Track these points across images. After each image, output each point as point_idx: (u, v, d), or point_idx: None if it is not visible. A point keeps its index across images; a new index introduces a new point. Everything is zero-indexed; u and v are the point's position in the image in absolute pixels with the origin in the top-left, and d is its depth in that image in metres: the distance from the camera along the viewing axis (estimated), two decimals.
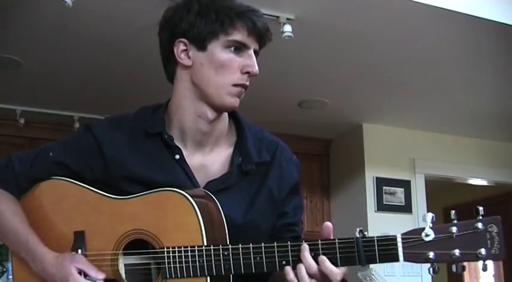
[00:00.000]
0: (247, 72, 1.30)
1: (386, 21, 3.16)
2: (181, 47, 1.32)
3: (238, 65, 1.30)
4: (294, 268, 1.16)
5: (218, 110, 1.33)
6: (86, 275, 1.24)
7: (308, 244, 1.16)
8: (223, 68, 1.29)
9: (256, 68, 1.31)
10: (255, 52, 1.33)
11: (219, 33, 1.29)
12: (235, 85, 1.30)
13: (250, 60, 1.30)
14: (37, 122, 4.44)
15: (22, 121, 4.34)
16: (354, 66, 3.76)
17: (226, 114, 1.39)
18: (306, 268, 1.14)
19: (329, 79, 3.98)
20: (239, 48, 1.30)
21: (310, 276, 1.14)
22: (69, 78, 3.87)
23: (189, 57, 1.32)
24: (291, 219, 1.41)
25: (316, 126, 4.91)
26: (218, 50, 1.29)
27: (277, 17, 3.04)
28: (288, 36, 3.05)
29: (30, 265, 1.31)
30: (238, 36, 1.29)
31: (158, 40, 1.38)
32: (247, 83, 1.32)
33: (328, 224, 1.20)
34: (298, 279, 1.15)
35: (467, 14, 3.06)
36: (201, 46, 1.30)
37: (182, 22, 1.31)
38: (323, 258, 1.14)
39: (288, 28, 3.04)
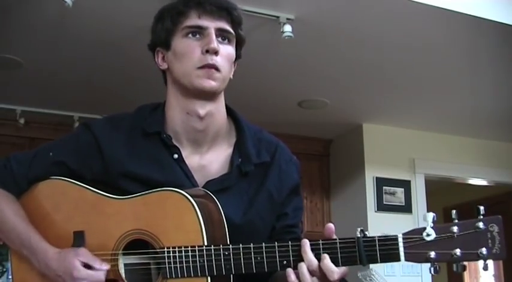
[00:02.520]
0: (207, 51, 1.29)
1: (386, 21, 3.16)
2: (159, 55, 1.38)
3: (198, 49, 1.30)
4: (295, 268, 1.16)
5: (199, 97, 1.32)
6: (89, 268, 1.24)
7: (309, 243, 1.16)
8: (184, 55, 1.31)
9: (213, 43, 1.29)
10: (223, 31, 1.33)
11: (172, 27, 1.33)
12: (199, 68, 1.30)
13: (208, 39, 1.30)
14: (37, 122, 4.44)
15: (22, 121, 4.34)
16: (354, 67, 3.75)
17: (221, 112, 1.38)
18: (307, 265, 1.14)
19: (329, 79, 3.98)
20: (196, 32, 1.31)
21: (311, 273, 1.14)
22: (69, 78, 3.87)
23: (165, 61, 1.36)
24: (291, 221, 1.41)
25: (316, 126, 4.91)
26: (178, 42, 1.33)
27: (277, 17, 3.04)
28: (288, 36, 3.05)
29: (33, 263, 1.31)
30: (189, 21, 1.31)
31: None
32: (212, 62, 1.29)
33: (330, 225, 1.19)
34: (299, 277, 1.14)
35: (467, 14, 3.06)
36: (167, 46, 1.35)
37: (151, 34, 1.38)
38: (324, 256, 1.14)
39: (288, 28, 3.04)
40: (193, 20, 1.31)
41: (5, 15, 3.01)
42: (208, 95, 1.32)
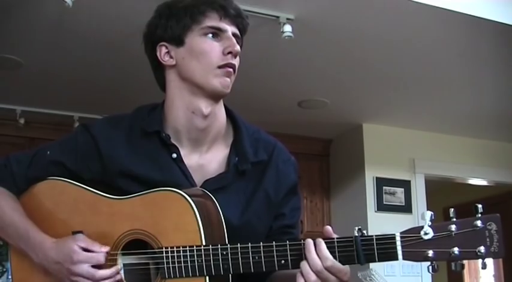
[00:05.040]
0: (229, 53, 1.31)
1: (386, 21, 3.16)
2: (163, 50, 1.36)
3: (218, 49, 1.31)
4: (293, 267, 1.16)
5: (212, 96, 1.33)
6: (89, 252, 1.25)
7: None
8: (204, 54, 1.31)
9: (237, 47, 1.32)
10: (236, 36, 1.35)
11: (191, 25, 1.32)
12: (220, 67, 1.31)
13: (229, 41, 1.32)
14: (37, 122, 4.45)
15: (22, 121, 4.34)
16: (354, 66, 3.76)
17: (222, 111, 1.39)
18: (310, 265, 1.14)
19: (329, 79, 3.98)
20: (215, 33, 1.32)
21: (315, 274, 1.13)
22: (69, 78, 3.87)
23: (171, 57, 1.35)
24: (288, 221, 1.40)
25: (316, 126, 4.91)
26: (195, 40, 1.32)
27: (277, 17, 3.04)
28: (288, 36, 3.05)
29: (31, 256, 1.31)
30: (211, 22, 1.32)
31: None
32: (233, 62, 1.32)
33: (328, 227, 1.19)
34: (303, 276, 1.14)
35: (467, 14, 3.06)
36: (179, 42, 1.33)
37: (157, 29, 1.36)
38: (320, 241, 1.15)
39: (288, 28, 3.05)
40: (215, 21, 1.32)
41: (5, 15, 3.01)
42: (219, 96, 1.34)
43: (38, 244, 1.30)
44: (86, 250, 1.24)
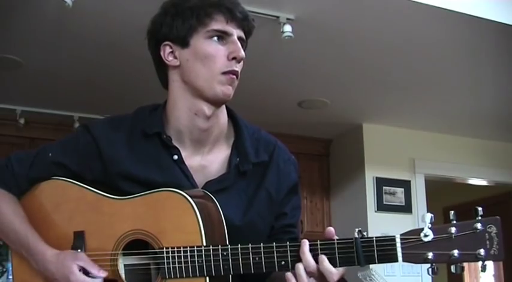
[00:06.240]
0: (234, 58, 1.31)
1: (386, 21, 3.16)
2: (167, 49, 1.34)
3: (223, 54, 1.30)
4: (293, 268, 1.16)
5: (213, 102, 1.33)
6: (87, 273, 1.24)
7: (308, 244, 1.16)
8: (209, 58, 1.30)
9: (242, 52, 1.31)
10: (241, 39, 1.34)
11: (197, 26, 1.31)
12: (224, 73, 1.30)
13: (235, 46, 1.31)
14: (37, 122, 4.44)
15: (22, 121, 4.34)
16: (354, 67, 3.76)
17: (224, 112, 1.39)
18: (304, 266, 1.14)
19: (329, 79, 3.98)
20: (221, 36, 1.31)
21: (309, 274, 1.14)
22: (69, 78, 3.87)
23: (175, 58, 1.34)
24: (289, 220, 1.41)
25: (316, 126, 4.91)
26: (200, 43, 1.31)
27: (277, 17, 3.04)
28: (288, 36, 3.05)
29: (32, 264, 1.31)
30: (217, 25, 1.30)
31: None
32: (237, 69, 1.32)
33: (331, 229, 1.19)
34: (296, 279, 1.15)
35: (467, 14, 3.06)
36: (184, 43, 1.32)
37: (162, 27, 1.34)
38: (323, 258, 1.14)
39: (288, 28, 3.05)
40: (221, 24, 1.30)
41: (5, 15, 3.01)
42: (220, 103, 1.34)
43: (38, 254, 1.30)
44: (84, 270, 1.24)
